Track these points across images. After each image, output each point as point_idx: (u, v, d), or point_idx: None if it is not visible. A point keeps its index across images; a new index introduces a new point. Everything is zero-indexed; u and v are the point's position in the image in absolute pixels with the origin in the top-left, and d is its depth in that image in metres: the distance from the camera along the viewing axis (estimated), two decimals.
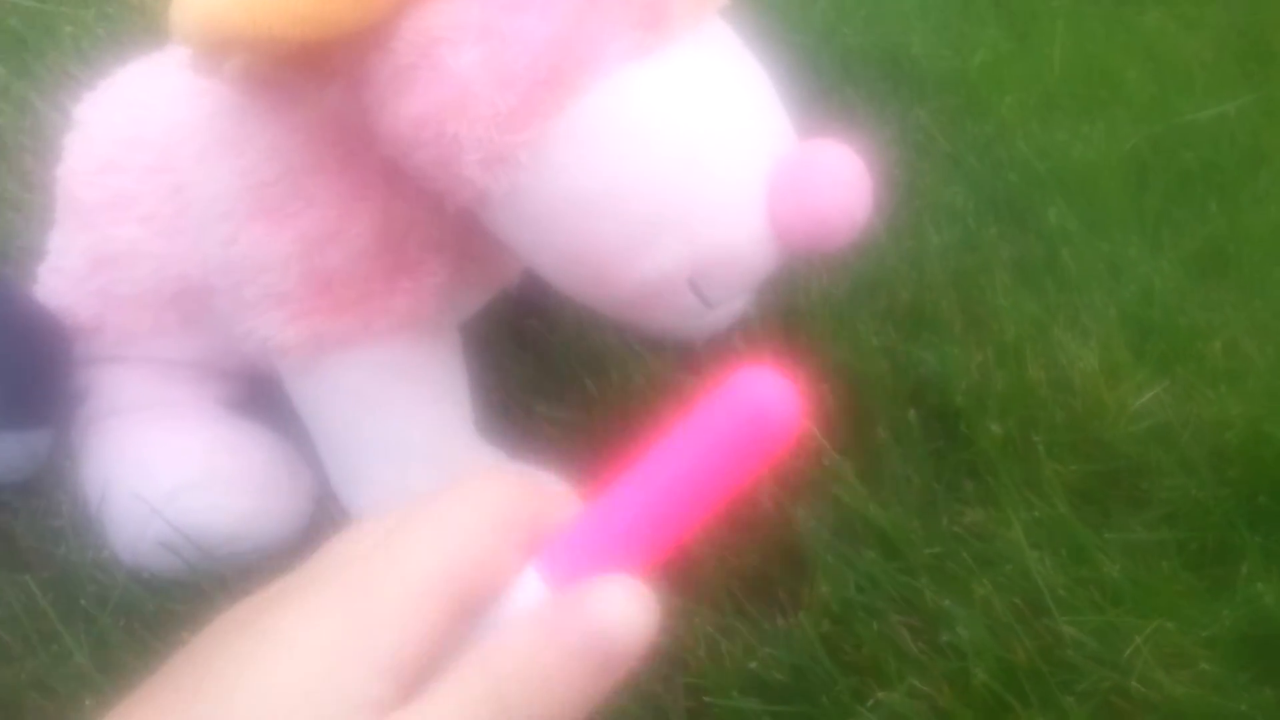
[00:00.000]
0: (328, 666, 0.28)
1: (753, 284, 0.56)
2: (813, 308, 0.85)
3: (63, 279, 0.71)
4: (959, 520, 0.74)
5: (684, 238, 0.52)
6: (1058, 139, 1.05)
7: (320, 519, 0.70)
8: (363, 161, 0.55)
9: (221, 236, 0.60)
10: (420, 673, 0.28)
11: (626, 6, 0.51)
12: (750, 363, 0.32)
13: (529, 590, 0.31)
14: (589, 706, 0.30)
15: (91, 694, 0.63)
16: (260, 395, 0.74)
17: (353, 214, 0.57)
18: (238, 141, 0.59)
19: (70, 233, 0.71)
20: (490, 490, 0.32)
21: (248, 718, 0.27)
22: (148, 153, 0.66)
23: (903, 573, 0.71)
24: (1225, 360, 0.86)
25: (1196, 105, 1.15)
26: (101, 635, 0.67)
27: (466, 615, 0.29)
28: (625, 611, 0.30)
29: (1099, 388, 0.81)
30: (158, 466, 0.68)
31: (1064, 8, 1.27)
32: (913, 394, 0.80)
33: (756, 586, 0.72)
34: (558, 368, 0.78)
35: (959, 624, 0.68)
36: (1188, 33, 1.29)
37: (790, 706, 0.65)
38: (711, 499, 0.31)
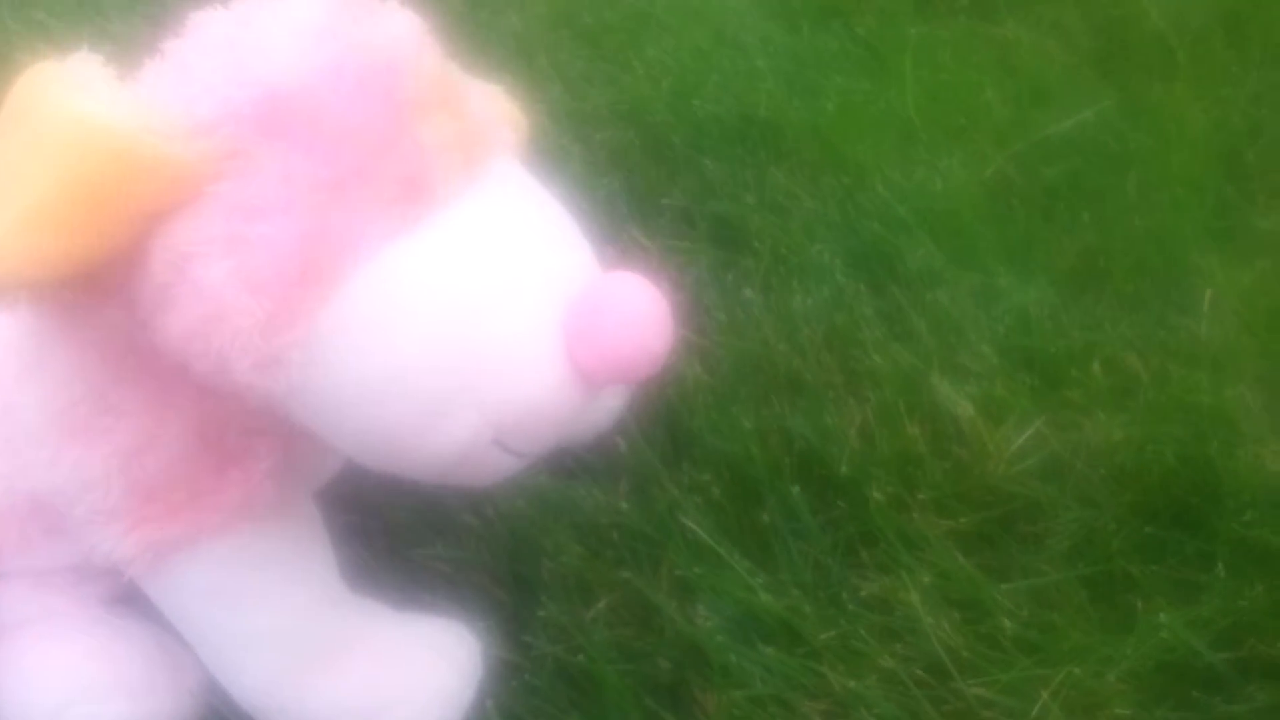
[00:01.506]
0: None
1: (566, 428, 0.57)
2: (688, 398, 0.86)
3: None
4: (857, 595, 0.74)
5: (476, 404, 0.52)
6: (917, 177, 1.07)
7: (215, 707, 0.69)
8: (163, 367, 0.56)
9: (43, 460, 0.60)
10: None
11: (379, 188, 0.51)
12: None
13: None
14: None
15: None
16: None
17: (164, 419, 0.58)
18: (42, 363, 0.59)
19: None
20: None
21: None
22: None
23: (808, 658, 0.71)
24: (1107, 379, 0.87)
25: (1057, 116, 1.17)
26: None
27: None
28: None
29: (980, 431, 0.82)
30: (38, 687, 0.68)
31: (914, 39, 1.29)
32: (796, 470, 0.81)
33: (670, 693, 0.72)
34: (435, 507, 0.78)
35: (866, 704, 0.68)
36: (1044, 38, 1.32)
37: None
38: None
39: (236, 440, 0.59)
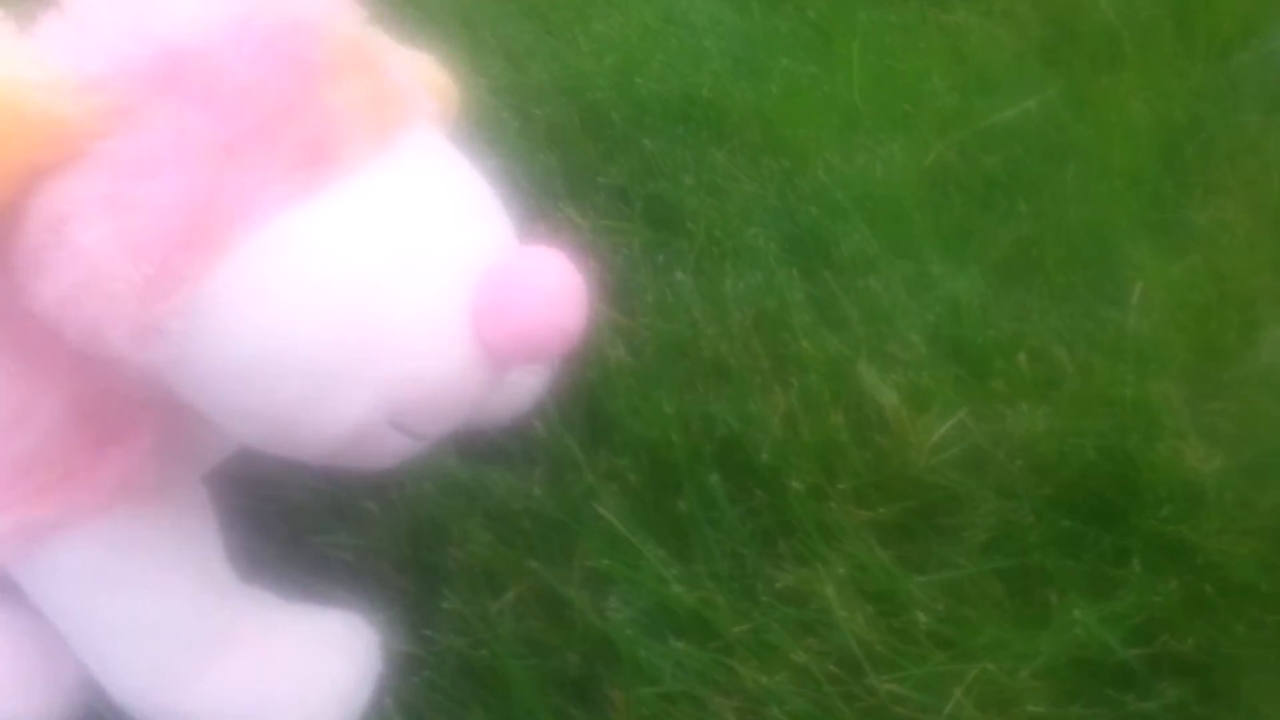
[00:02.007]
0: None
1: (472, 409, 0.55)
2: (610, 380, 0.84)
3: None
4: (772, 586, 0.73)
5: (370, 382, 0.50)
6: (858, 163, 1.06)
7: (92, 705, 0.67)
8: (38, 337, 0.53)
9: None
10: None
11: (279, 150, 0.48)
12: None
13: None
14: None
15: None
16: None
17: (38, 393, 0.55)
18: None
19: None
20: None
21: None
22: None
23: (720, 653, 0.70)
24: (1033, 370, 0.86)
25: (1001, 105, 1.16)
26: None
27: None
28: None
29: (903, 421, 0.81)
30: None
31: (863, 24, 1.28)
32: (716, 457, 0.80)
33: (578, 690, 0.71)
34: (337, 491, 0.76)
35: (778, 700, 0.67)
36: (995, 26, 1.31)
37: None
38: None
39: (116, 415, 0.56)
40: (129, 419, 0.56)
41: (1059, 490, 0.78)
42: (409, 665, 0.67)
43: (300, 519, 0.74)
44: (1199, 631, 0.70)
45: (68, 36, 0.50)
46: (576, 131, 1.10)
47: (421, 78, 0.59)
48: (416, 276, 0.51)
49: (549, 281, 0.52)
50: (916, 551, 0.76)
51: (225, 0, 0.50)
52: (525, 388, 0.81)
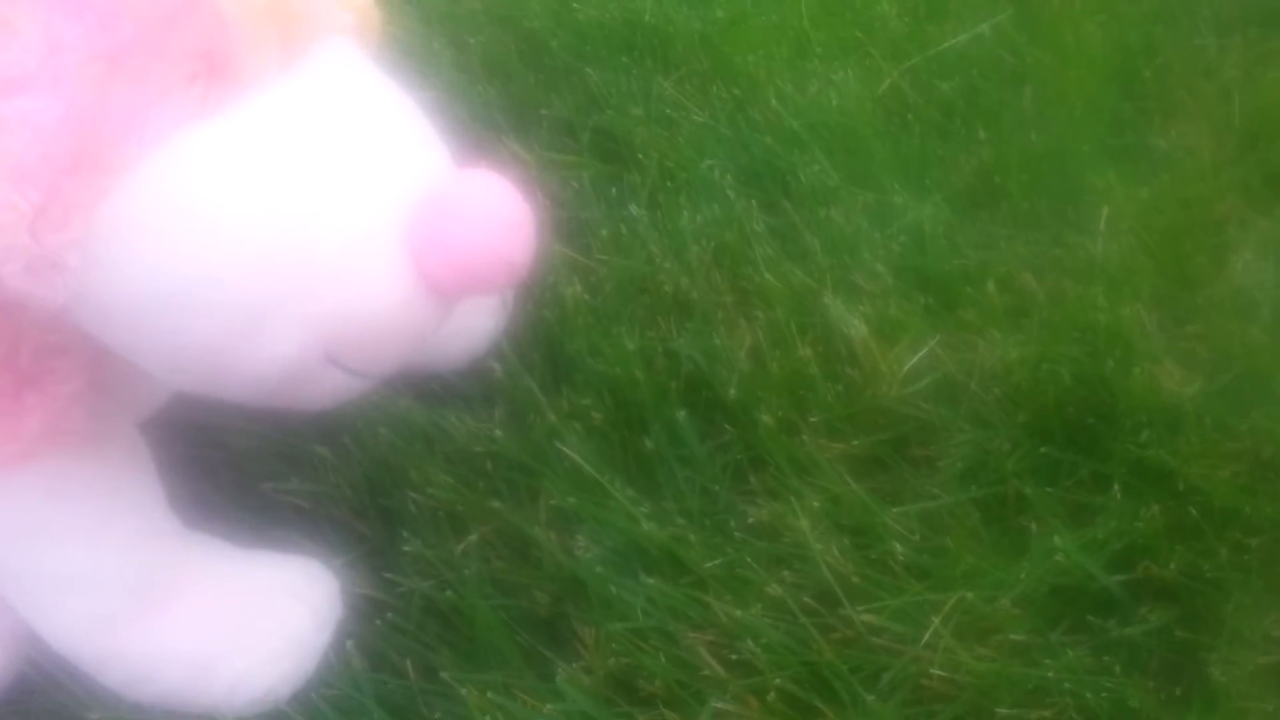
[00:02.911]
0: None
1: (416, 343, 0.53)
2: (568, 319, 0.83)
3: None
4: (745, 521, 0.73)
5: (300, 317, 0.48)
6: (811, 91, 1.05)
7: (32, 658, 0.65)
8: None
9: None
10: None
11: (169, 62, 0.46)
12: None
13: None
14: None
15: None
16: None
17: None
18: None
19: None
20: None
21: None
22: None
23: (692, 588, 0.70)
24: (1002, 298, 0.87)
25: (953, 30, 1.16)
26: None
27: None
28: None
29: (873, 352, 0.81)
30: None
31: None
32: (682, 394, 0.79)
33: (547, 629, 0.70)
34: (288, 436, 0.74)
35: (753, 634, 0.67)
36: None
37: None
38: None
39: (32, 361, 0.53)
40: (47, 364, 0.54)
41: (1035, 418, 0.79)
42: (371, 609, 0.66)
43: (250, 466, 0.72)
44: (1181, 556, 0.71)
45: None
46: (515, 62, 1.08)
47: None
48: (343, 202, 0.49)
49: (491, 208, 0.50)
50: (891, 483, 0.77)
51: None
52: (480, 329, 0.79)
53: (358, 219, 0.48)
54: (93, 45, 0.45)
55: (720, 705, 0.65)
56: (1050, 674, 0.65)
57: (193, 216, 0.46)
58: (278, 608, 0.62)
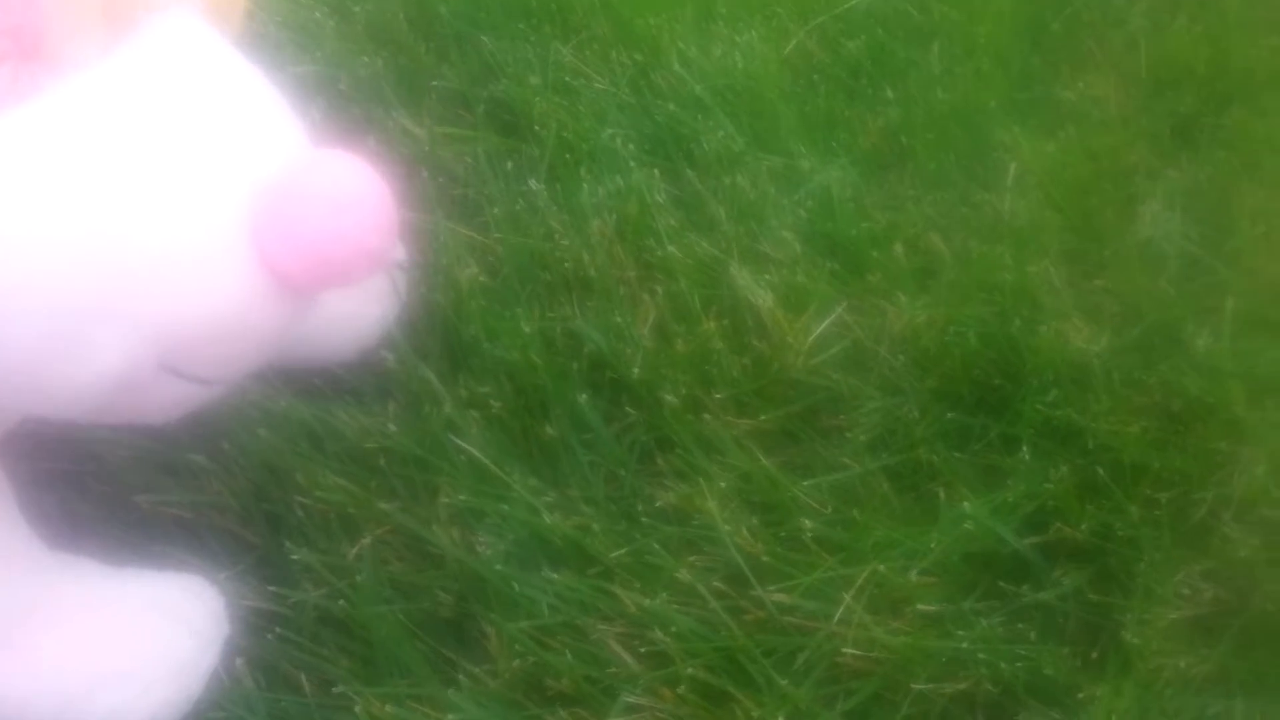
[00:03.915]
0: None
1: (268, 342, 0.50)
2: (463, 303, 0.81)
3: None
4: (652, 506, 0.72)
5: (125, 321, 0.44)
6: (715, 54, 1.04)
7: None
8: None
9: None
10: None
11: None
12: None
13: None
14: None
15: None
16: None
17: None
18: None
19: None
20: None
21: None
22: None
23: (600, 578, 0.69)
24: (910, 260, 0.87)
25: None
26: None
27: None
28: None
29: (780, 322, 0.80)
30: None
31: None
32: (585, 376, 0.78)
33: (453, 630, 0.68)
34: (163, 445, 0.71)
35: (662, 622, 0.66)
36: None
37: None
38: None
39: None
40: None
41: (943, 383, 0.79)
42: (262, 622, 0.64)
43: (124, 478, 0.69)
44: (1091, 516, 0.71)
45: None
46: (403, 30, 1.05)
47: None
48: (174, 191, 0.45)
49: (341, 187, 0.47)
50: (801, 456, 0.76)
51: None
52: (366, 316, 0.77)
53: (189, 212, 0.45)
54: None
55: (631, 699, 0.64)
56: (965, 645, 0.64)
57: (2, 212, 0.43)
58: (155, 630, 0.58)
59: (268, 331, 0.48)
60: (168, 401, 0.49)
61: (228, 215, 0.45)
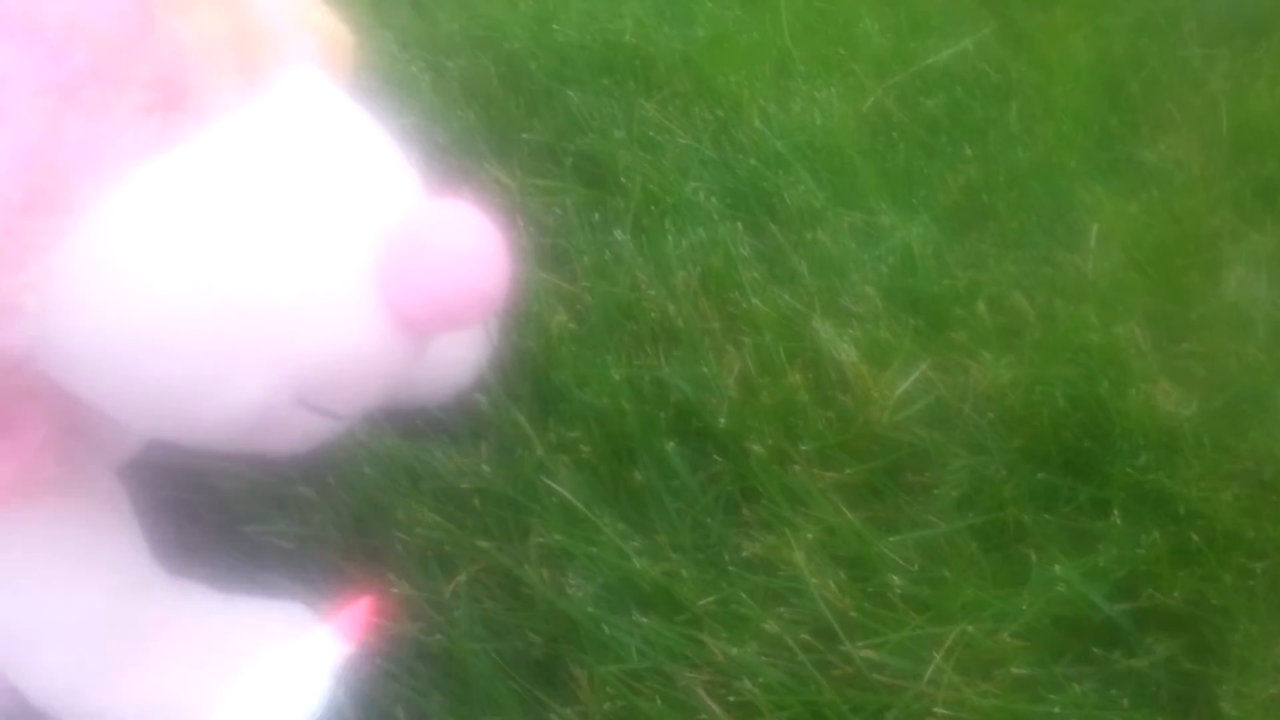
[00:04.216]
0: None
1: (390, 382, 0.51)
2: (554, 349, 0.81)
3: None
4: (738, 555, 0.71)
5: (266, 359, 0.46)
6: (795, 110, 1.04)
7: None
8: None
9: None
10: None
11: (123, 91, 0.43)
12: None
13: None
14: None
15: None
16: None
17: None
18: None
19: None
20: None
21: None
22: None
23: (687, 626, 0.68)
24: (993, 318, 0.86)
25: (936, 46, 1.16)
26: None
27: None
28: None
29: (864, 377, 0.79)
30: None
31: None
32: (672, 424, 0.77)
33: (542, 671, 0.68)
34: (272, 478, 0.72)
35: (750, 672, 0.65)
36: None
37: None
38: None
39: (19, 430, 0.51)
40: (15, 410, 0.52)
41: (1030, 442, 0.78)
42: (361, 654, 0.64)
43: (233, 509, 0.70)
44: (1184, 583, 0.70)
45: None
46: (494, 85, 1.07)
47: (296, 16, 0.55)
48: (309, 236, 0.46)
49: (464, 239, 0.48)
50: (886, 512, 0.75)
51: None
52: (464, 360, 0.78)
53: (324, 256, 0.46)
54: (43, 78, 0.43)
55: None
56: (1057, 710, 0.63)
57: (153, 255, 0.44)
58: (264, 656, 0.59)
59: (388, 370, 0.49)
60: (300, 434, 0.50)
61: (356, 262, 0.46)
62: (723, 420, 0.77)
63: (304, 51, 0.50)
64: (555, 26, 1.11)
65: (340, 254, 0.46)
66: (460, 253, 0.47)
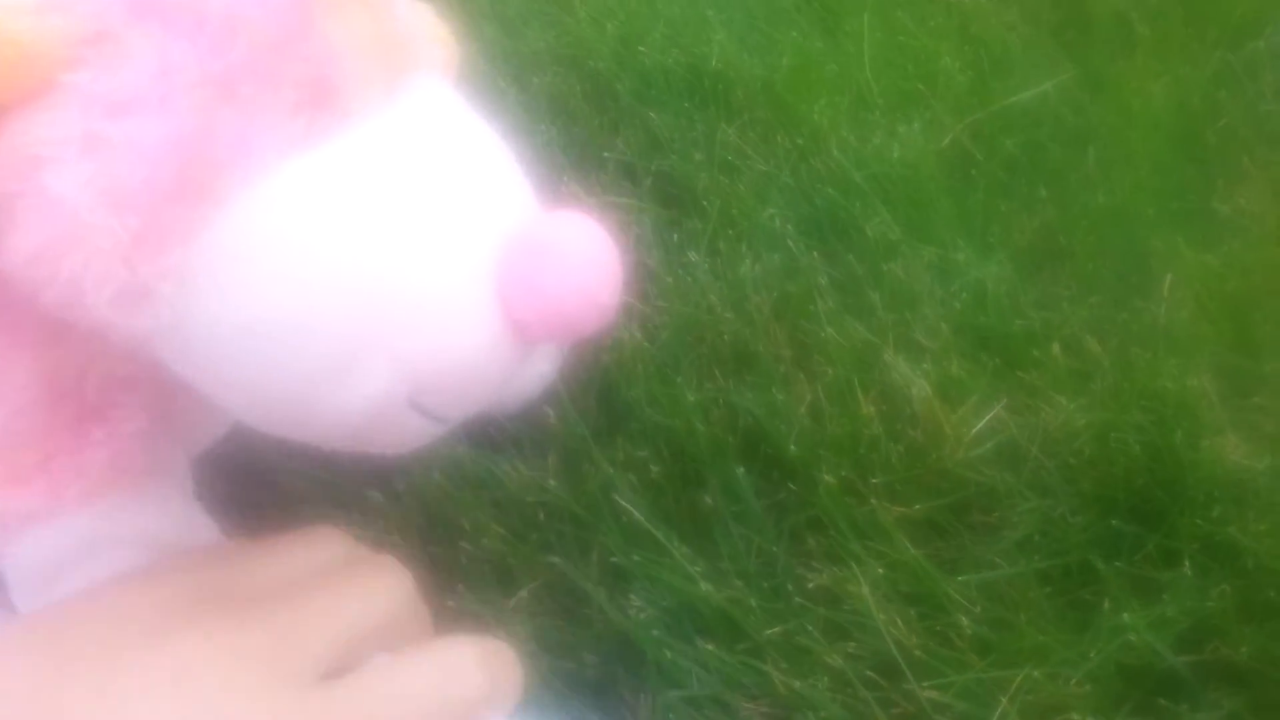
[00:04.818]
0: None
1: (493, 390, 0.49)
2: (626, 366, 0.80)
3: None
4: (804, 586, 0.69)
5: (391, 356, 0.45)
6: (874, 142, 1.02)
7: None
8: (7, 299, 0.48)
9: None
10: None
11: (277, 88, 0.43)
12: None
13: None
14: None
15: None
16: None
17: (8, 362, 0.49)
18: None
19: None
20: None
21: None
22: None
23: (750, 655, 0.67)
24: (1067, 362, 0.84)
25: (1016, 87, 1.13)
26: None
27: None
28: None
29: (936, 413, 0.77)
30: None
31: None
32: (741, 449, 0.76)
33: (597, 691, 0.67)
34: (337, 477, 0.71)
35: (812, 706, 0.64)
36: (1001, 6, 1.28)
37: None
38: None
39: (98, 393, 0.50)
40: (113, 396, 0.51)
41: (1099, 488, 0.75)
42: None
43: (299, 509, 0.69)
44: (1252, 639, 0.67)
45: None
46: (579, 102, 1.06)
47: (425, 24, 0.54)
48: (437, 239, 0.45)
49: (582, 250, 0.46)
50: (950, 550, 0.73)
51: None
52: (537, 372, 0.76)
53: (450, 256, 0.45)
54: (204, 69, 0.42)
55: None
56: None
57: (294, 246, 0.43)
58: None
59: (497, 377, 0.48)
60: (403, 435, 0.49)
61: (478, 266, 0.45)
62: (793, 448, 0.75)
63: (433, 59, 0.49)
64: (641, 49, 1.10)
65: (464, 257, 0.45)
66: (579, 261, 0.45)
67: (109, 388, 0.51)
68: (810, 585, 0.69)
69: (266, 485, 0.70)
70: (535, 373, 0.77)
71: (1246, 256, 0.96)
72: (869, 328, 0.85)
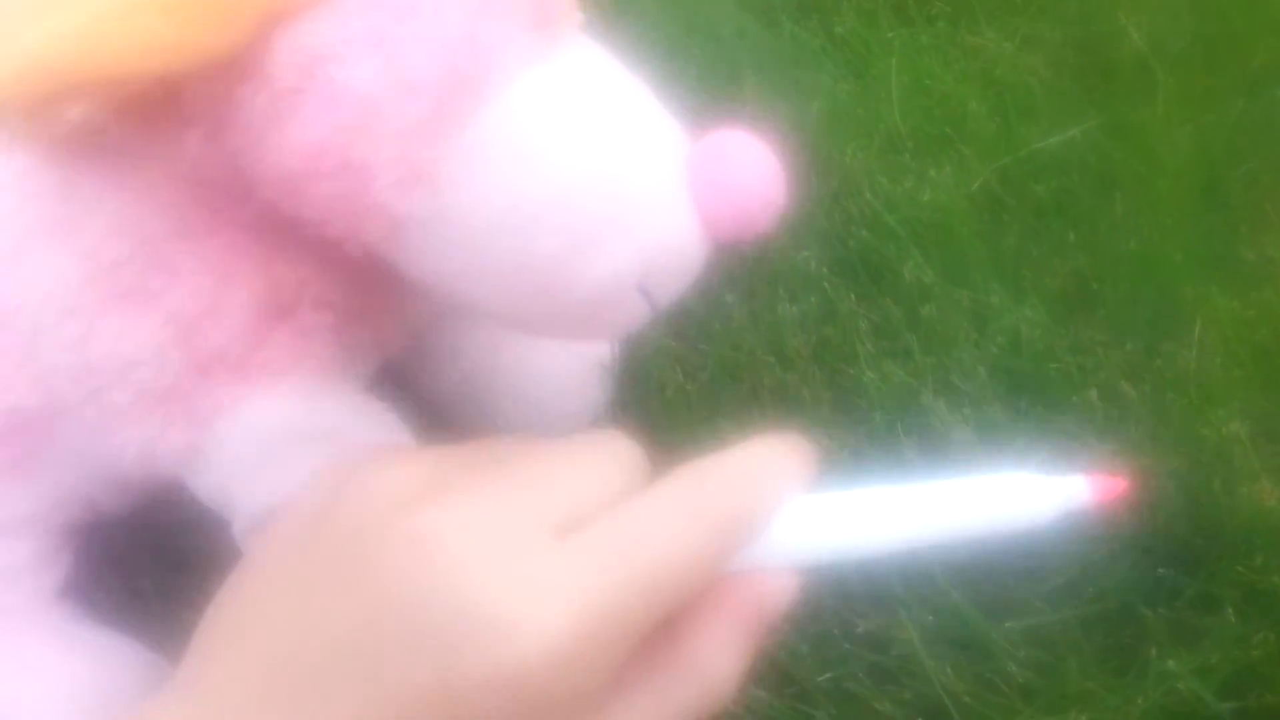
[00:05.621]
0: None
1: (689, 282, 0.55)
2: (670, 405, 0.80)
3: None
4: (853, 632, 0.69)
5: (629, 237, 0.50)
6: (905, 185, 1.03)
7: None
8: (233, 218, 0.50)
9: (67, 339, 0.52)
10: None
11: (517, 7, 0.49)
12: None
13: None
14: (707, 566, 0.44)
15: None
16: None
17: (231, 280, 0.52)
18: (70, 220, 0.52)
19: None
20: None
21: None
22: None
23: (800, 701, 0.66)
24: (1104, 407, 0.83)
25: (1043, 132, 1.14)
26: None
27: None
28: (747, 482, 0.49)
29: (978, 457, 0.77)
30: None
31: (899, 39, 1.25)
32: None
33: None
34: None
35: None
36: (1025, 52, 1.29)
37: None
38: None
39: (309, 314, 0.55)
40: (316, 315, 0.55)
41: (1138, 534, 0.75)
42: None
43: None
44: None
45: None
46: None
47: None
48: (649, 140, 0.52)
49: (754, 156, 0.53)
50: (991, 594, 0.73)
51: None
52: (586, 397, 0.77)
53: (659, 157, 0.52)
54: None
55: None
56: None
57: (538, 144, 0.49)
58: None
59: (695, 270, 0.54)
60: (623, 319, 0.54)
61: (677, 168, 0.51)
62: None
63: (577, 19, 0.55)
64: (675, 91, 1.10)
65: (666, 160, 0.51)
66: (754, 166, 0.52)
67: (316, 309, 0.55)
68: (859, 630, 0.68)
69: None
70: (585, 398, 0.78)
71: (1275, 303, 0.96)
72: (908, 371, 0.84)
